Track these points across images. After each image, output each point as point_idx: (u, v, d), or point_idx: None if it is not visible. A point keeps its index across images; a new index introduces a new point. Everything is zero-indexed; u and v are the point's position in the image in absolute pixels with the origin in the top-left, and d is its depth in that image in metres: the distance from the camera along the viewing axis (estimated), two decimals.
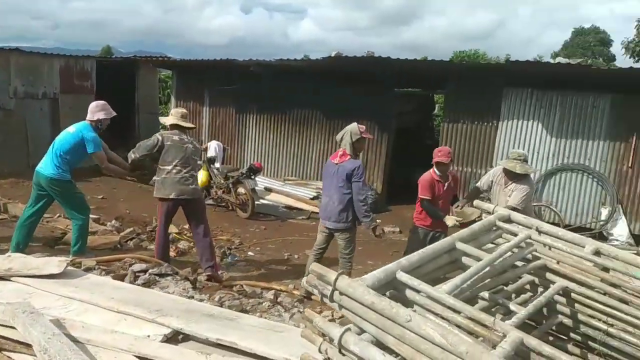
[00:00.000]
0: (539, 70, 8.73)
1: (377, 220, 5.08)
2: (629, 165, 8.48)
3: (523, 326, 2.35)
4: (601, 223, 8.57)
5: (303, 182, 10.39)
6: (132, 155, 5.07)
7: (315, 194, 9.51)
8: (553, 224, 8.56)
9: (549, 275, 2.38)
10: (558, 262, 2.42)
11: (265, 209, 8.97)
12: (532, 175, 5.40)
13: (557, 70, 8.58)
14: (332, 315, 3.73)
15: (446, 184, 5.01)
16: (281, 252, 6.80)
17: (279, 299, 4.67)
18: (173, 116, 5.26)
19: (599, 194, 8.67)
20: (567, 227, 8.67)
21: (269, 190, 9.59)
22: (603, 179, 8.60)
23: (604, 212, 8.59)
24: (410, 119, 12.94)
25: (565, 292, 2.35)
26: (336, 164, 4.75)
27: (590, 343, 2.38)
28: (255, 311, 4.10)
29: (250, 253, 6.69)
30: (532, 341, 1.49)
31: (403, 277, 1.72)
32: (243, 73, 10.58)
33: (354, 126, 4.78)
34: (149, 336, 2.58)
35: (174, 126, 5.14)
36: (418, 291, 1.73)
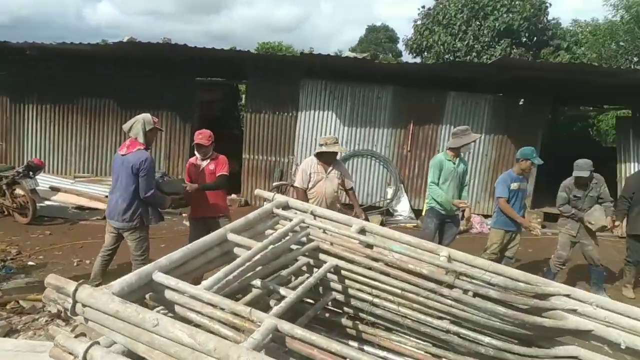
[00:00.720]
0: (329, 63, 9.27)
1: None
2: (408, 149, 9.62)
3: (300, 307, 2.45)
4: (388, 201, 9.58)
5: (97, 179, 9.52)
6: None
7: None
8: (347, 205, 9.33)
9: (322, 256, 2.49)
10: (332, 244, 2.56)
11: (51, 211, 7.98)
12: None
13: (343, 63, 9.19)
14: None
15: (202, 167, 4.97)
16: (70, 258, 6.12)
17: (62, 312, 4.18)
18: None
19: (385, 175, 9.67)
20: (360, 206, 9.50)
21: (55, 189, 8.56)
22: (388, 162, 9.60)
23: (390, 192, 9.62)
24: (216, 108, 12.80)
25: (337, 270, 2.49)
26: (122, 155, 4.41)
27: (360, 314, 2.58)
28: (28, 330, 3.60)
29: (30, 263, 5.87)
30: (285, 326, 1.51)
31: (159, 277, 1.61)
32: (19, 58, 9.22)
33: (147, 115, 4.49)
34: None
35: None
36: (180, 291, 1.64)
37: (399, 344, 2.49)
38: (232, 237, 2.12)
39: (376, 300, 2.45)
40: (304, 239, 2.52)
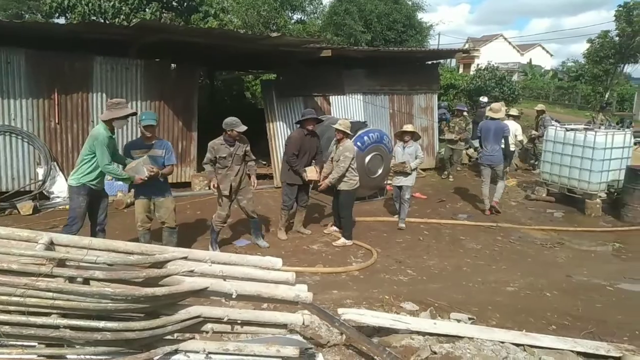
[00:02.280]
0: None
1: None
2: (57, 121, 8.53)
3: None
4: (40, 183, 8.38)
5: None
6: None
7: None
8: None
9: None
10: None
11: None
12: None
13: None
14: None
15: None
16: None
17: None
18: None
19: (32, 154, 8.37)
20: (3, 194, 8.05)
21: None
22: (33, 139, 8.32)
23: (41, 172, 8.41)
24: None
25: None
26: None
27: None
28: None
29: None
30: None
31: None
32: None
33: None
34: None
35: None
36: None
37: (4, 356, 2.08)
38: None
39: None
40: None
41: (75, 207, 5.28)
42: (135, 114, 5.69)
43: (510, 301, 5.32)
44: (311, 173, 6.97)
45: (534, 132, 13.05)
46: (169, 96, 9.45)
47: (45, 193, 8.45)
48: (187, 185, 9.82)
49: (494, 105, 9.02)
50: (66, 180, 8.60)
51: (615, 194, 9.11)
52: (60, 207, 8.22)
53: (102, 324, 2.05)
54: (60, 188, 8.54)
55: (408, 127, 7.90)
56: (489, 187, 8.82)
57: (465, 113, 12.33)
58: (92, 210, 5.42)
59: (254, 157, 6.49)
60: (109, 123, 5.22)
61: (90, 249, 2.08)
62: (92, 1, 11.85)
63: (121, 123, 5.37)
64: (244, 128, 6.11)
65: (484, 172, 8.79)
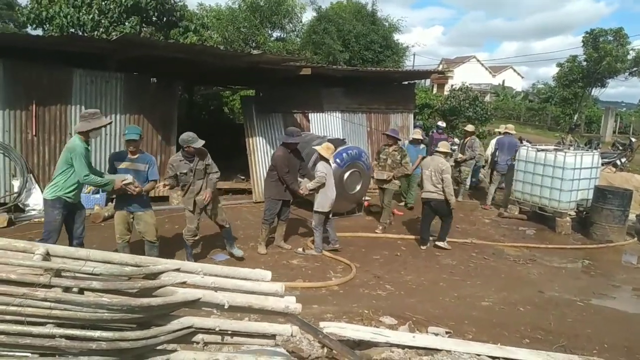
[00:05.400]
0: None
1: None
2: (34, 133, 8.43)
3: None
4: (15, 195, 8.24)
5: None
6: None
7: None
8: None
9: None
10: None
11: None
12: None
13: None
14: None
15: None
16: None
17: None
18: None
19: (7, 166, 8.25)
20: None
21: None
22: (9, 150, 8.21)
23: (16, 184, 8.29)
24: None
25: None
26: None
27: None
28: None
29: None
30: None
31: None
32: None
33: None
34: None
35: None
36: None
37: None
38: None
39: None
40: None
41: (50, 221, 5.23)
42: (110, 123, 5.70)
43: (485, 315, 5.46)
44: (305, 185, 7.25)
45: (460, 155, 11.33)
46: (149, 110, 9.45)
47: (21, 205, 8.31)
48: (165, 199, 9.77)
49: (509, 125, 12.06)
50: (42, 193, 8.53)
51: (584, 212, 9.44)
52: (35, 220, 8.09)
53: (97, 333, 2.09)
54: (35, 201, 8.41)
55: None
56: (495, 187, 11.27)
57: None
58: (68, 224, 5.39)
59: (216, 170, 6.39)
60: (84, 134, 5.21)
61: (87, 260, 2.13)
62: (70, 13, 11.81)
63: (96, 133, 5.38)
64: (200, 143, 6.12)
65: (495, 177, 11.23)
